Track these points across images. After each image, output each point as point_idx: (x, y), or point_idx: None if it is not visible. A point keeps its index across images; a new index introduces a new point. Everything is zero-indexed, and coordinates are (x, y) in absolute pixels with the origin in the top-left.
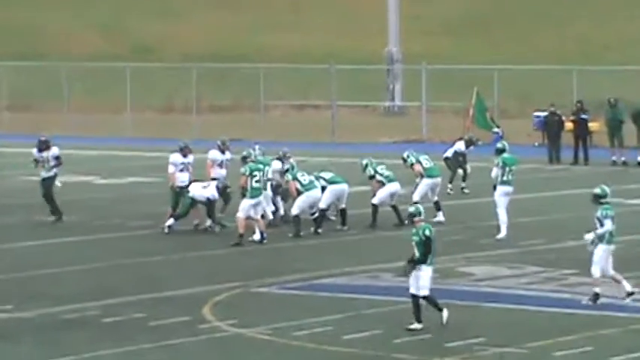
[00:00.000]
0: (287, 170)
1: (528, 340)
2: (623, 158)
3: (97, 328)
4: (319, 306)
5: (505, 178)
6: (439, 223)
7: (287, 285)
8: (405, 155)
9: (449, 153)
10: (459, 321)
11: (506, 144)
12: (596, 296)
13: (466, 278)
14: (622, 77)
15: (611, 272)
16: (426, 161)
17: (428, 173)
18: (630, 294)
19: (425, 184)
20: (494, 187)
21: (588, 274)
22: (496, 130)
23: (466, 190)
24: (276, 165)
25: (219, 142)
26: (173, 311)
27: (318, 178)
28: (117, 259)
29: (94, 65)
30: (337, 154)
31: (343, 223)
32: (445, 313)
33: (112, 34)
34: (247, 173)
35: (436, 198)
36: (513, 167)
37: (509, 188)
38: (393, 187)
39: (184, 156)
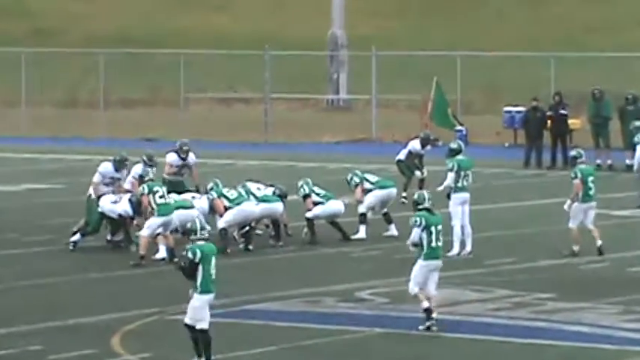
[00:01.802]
0: (211, 188)
1: None
2: (609, 161)
3: None
4: (249, 336)
5: (460, 184)
6: (392, 237)
7: (211, 312)
8: (348, 178)
9: (402, 155)
10: (416, 354)
11: (461, 144)
12: (429, 311)
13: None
14: (608, 66)
15: (433, 293)
16: (372, 176)
17: (380, 184)
18: (428, 327)
19: (374, 195)
20: (448, 196)
21: (567, 298)
22: (459, 127)
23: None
24: (137, 169)
25: (177, 146)
26: (76, 343)
27: (248, 193)
28: (9, 281)
29: None
30: (271, 156)
31: (277, 238)
32: None
33: (5, 14)
34: (146, 192)
35: (385, 209)
36: (469, 171)
37: (465, 195)
38: (334, 205)
39: (117, 170)
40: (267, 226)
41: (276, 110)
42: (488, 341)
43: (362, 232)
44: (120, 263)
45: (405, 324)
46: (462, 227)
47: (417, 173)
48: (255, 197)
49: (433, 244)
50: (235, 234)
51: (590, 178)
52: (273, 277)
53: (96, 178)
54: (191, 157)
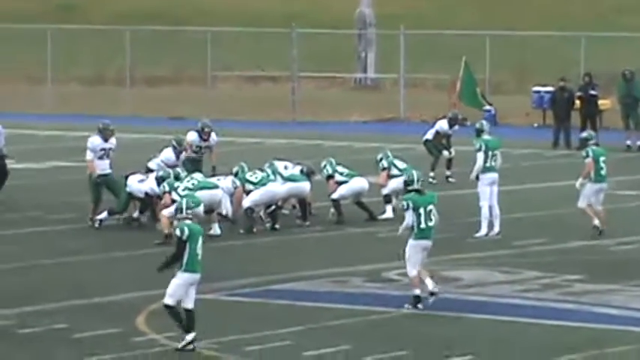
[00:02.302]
0: (236, 173)
1: (524, 358)
2: (639, 142)
3: (11, 341)
4: (275, 316)
5: (488, 164)
6: None
7: (237, 291)
8: (377, 157)
9: (429, 135)
10: (443, 335)
11: (485, 123)
12: (417, 299)
13: (452, 284)
14: (639, 46)
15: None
16: (401, 163)
17: (407, 172)
18: (432, 294)
19: (399, 182)
20: (477, 177)
21: (596, 279)
22: (487, 107)
23: (452, 179)
24: (167, 153)
25: (199, 127)
26: (101, 321)
27: (275, 172)
28: (35, 258)
29: (7, 27)
30: (298, 134)
31: (304, 218)
32: (190, 336)
33: None
34: (167, 189)
35: None
36: (497, 151)
37: (494, 175)
38: (358, 183)
39: (105, 140)
40: (294, 207)
41: (304, 89)
42: (516, 323)
43: (389, 211)
44: (145, 242)
45: (433, 305)
46: (490, 208)
47: (445, 153)
48: (282, 176)
49: (422, 225)
50: (262, 213)
51: (602, 159)
52: (300, 257)
53: (89, 155)
54: (212, 138)
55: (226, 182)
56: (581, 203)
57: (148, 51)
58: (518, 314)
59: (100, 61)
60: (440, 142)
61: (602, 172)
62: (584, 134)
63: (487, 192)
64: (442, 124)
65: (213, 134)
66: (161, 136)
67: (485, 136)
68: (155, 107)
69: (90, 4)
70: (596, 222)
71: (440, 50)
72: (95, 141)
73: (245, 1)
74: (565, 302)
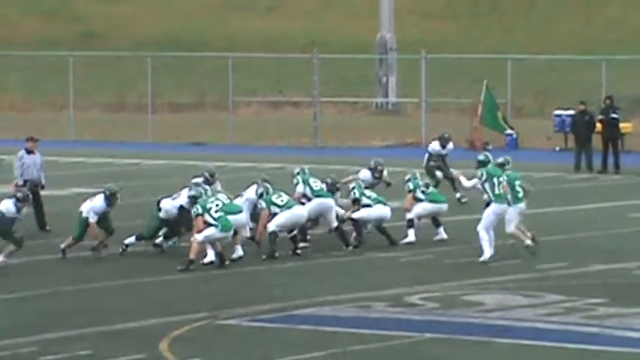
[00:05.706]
0: (261, 195)
1: None
2: None
3: None
4: (298, 342)
5: (498, 192)
6: (441, 241)
7: (260, 317)
8: (406, 178)
9: (425, 159)
10: (466, 359)
11: (489, 155)
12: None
13: (474, 308)
14: None
15: None
16: (426, 187)
17: (431, 197)
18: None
19: (423, 207)
20: (487, 204)
21: (619, 303)
22: (509, 131)
23: (463, 199)
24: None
25: (372, 165)
26: (124, 348)
27: (305, 181)
28: (57, 285)
29: (31, 54)
30: (320, 159)
31: (346, 244)
32: None
33: (53, 18)
34: (200, 212)
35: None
36: (501, 178)
37: (505, 206)
38: (380, 210)
39: (109, 205)
40: (330, 231)
41: (326, 114)
42: (539, 347)
43: (411, 235)
44: (168, 268)
45: (456, 329)
46: (487, 232)
47: (438, 174)
48: (312, 189)
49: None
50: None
51: (517, 182)
52: (323, 282)
53: (92, 218)
54: (384, 175)
55: (250, 192)
56: (509, 228)
57: (170, 77)
58: (542, 338)
59: (122, 88)
60: (436, 163)
61: (520, 195)
62: (502, 159)
63: (493, 221)
64: (433, 145)
65: (385, 172)
66: (183, 162)
67: (489, 167)
68: (177, 133)
69: (111, 31)
70: (528, 241)
71: (461, 74)
72: (99, 205)
73: (266, 26)
74: (588, 326)
